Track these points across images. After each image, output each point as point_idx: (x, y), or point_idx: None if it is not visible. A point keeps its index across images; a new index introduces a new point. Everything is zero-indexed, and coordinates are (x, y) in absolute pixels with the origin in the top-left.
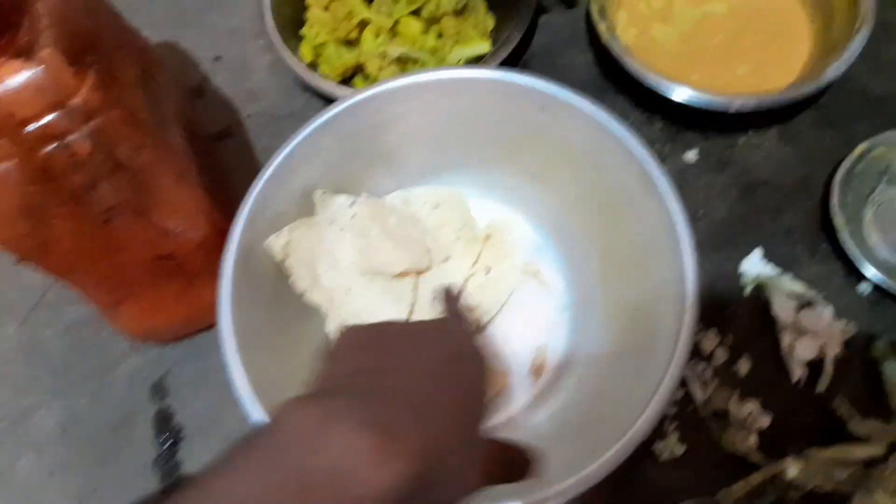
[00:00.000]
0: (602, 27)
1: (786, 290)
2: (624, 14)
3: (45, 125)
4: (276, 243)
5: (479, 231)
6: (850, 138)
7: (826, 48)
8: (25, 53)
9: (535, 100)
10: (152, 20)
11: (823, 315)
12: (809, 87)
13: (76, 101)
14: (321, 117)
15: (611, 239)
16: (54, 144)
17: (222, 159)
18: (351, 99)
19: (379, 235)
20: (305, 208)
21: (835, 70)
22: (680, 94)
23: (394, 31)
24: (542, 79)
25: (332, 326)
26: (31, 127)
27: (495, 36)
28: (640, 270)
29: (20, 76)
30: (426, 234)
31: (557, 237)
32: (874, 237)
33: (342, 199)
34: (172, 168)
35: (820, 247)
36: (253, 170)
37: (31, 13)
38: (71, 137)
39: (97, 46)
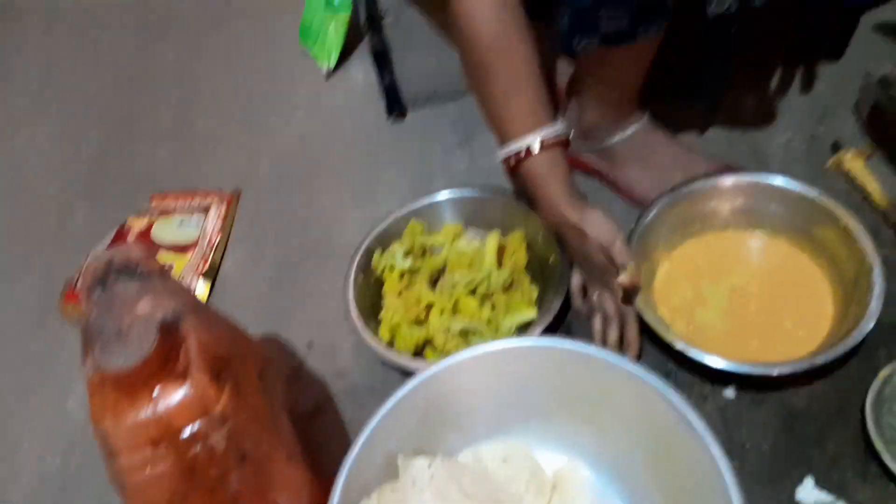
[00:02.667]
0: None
1: None
2: (664, 310)
3: (195, 431)
4: None
5: (547, 480)
6: (875, 365)
7: (846, 299)
8: (182, 378)
9: (579, 360)
10: (257, 317)
11: None
12: (843, 348)
13: (217, 409)
14: (399, 392)
15: (666, 481)
16: (199, 445)
17: (315, 434)
18: (423, 374)
19: (455, 493)
20: (389, 472)
21: (861, 332)
22: (725, 365)
23: (455, 309)
24: (577, 342)
25: None
26: (184, 433)
27: (540, 303)
28: None
29: (178, 395)
30: (499, 490)
31: (619, 481)
32: None
33: (420, 462)
34: (284, 452)
35: (870, 469)
36: (342, 442)
37: (185, 346)
38: (211, 439)
39: (230, 364)
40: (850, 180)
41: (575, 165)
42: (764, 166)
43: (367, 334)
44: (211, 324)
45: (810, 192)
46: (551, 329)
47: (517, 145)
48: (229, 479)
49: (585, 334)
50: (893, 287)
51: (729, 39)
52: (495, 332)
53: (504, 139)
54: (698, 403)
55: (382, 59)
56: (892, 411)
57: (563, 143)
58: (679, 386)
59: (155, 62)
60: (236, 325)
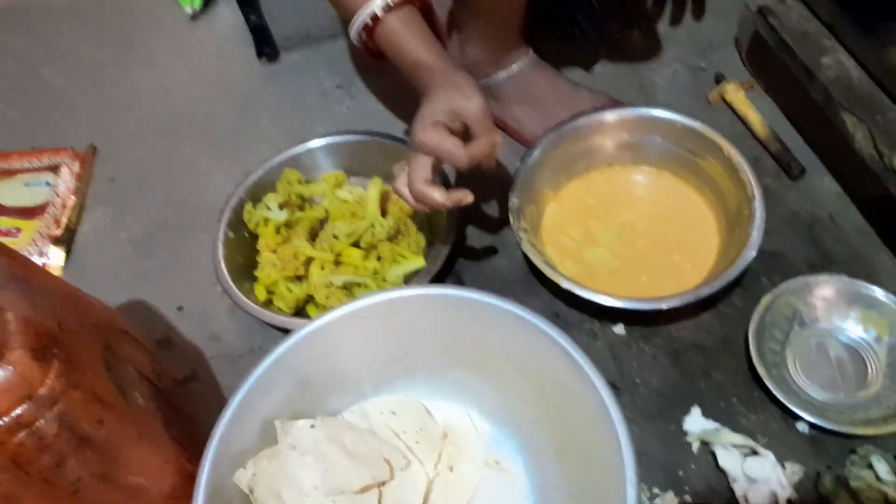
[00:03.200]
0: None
1: (728, 443)
2: (552, 250)
3: (15, 417)
4: (243, 478)
5: (437, 431)
6: (757, 293)
7: (730, 229)
8: None
9: (467, 307)
10: (121, 283)
11: (767, 461)
12: (725, 279)
13: (42, 391)
14: (273, 354)
15: (556, 422)
16: (24, 432)
17: (189, 402)
18: (299, 333)
19: (337, 455)
20: (268, 438)
21: (742, 262)
22: (618, 303)
23: (337, 262)
24: (464, 288)
25: None
26: (1, 421)
27: (428, 251)
28: (585, 448)
29: None
30: (384, 445)
31: (511, 427)
32: (800, 379)
33: (301, 424)
34: (135, 430)
35: (753, 396)
36: (219, 409)
37: (0, 321)
38: (38, 424)
39: (62, 339)
40: (733, 111)
41: None
42: (651, 99)
43: (240, 296)
44: (37, 295)
45: (693, 123)
46: (440, 277)
47: (362, 14)
48: (67, 466)
49: (476, 281)
50: (774, 216)
51: None
52: (382, 284)
53: (350, 15)
54: (588, 342)
55: None
56: (773, 337)
57: (417, 3)
58: (569, 325)
59: None
60: (78, 293)
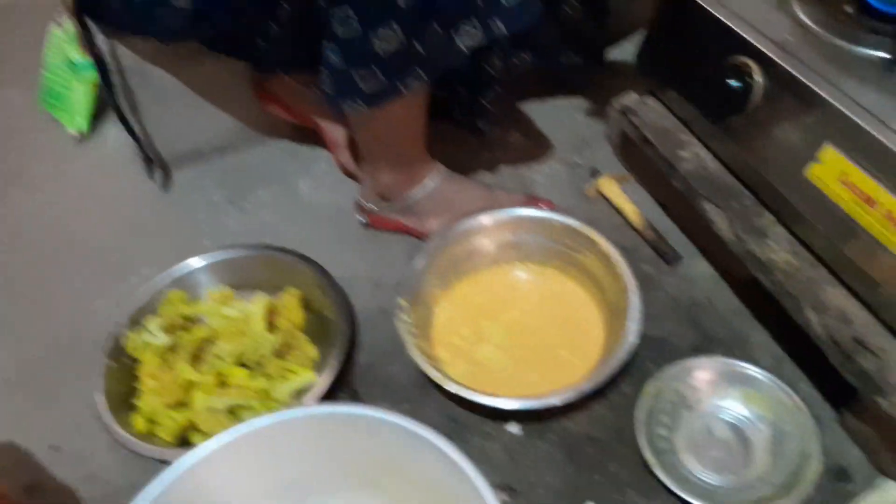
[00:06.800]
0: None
1: None
2: (443, 351)
3: None
4: None
5: None
6: (644, 380)
7: (612, 321)
8: None
9: (350, 423)
10: None
11: None
12: (604, 372)
13: None
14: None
15: None
16: None
17: None
18: (174, 467)
19: None
20: None
21: (622, 352)
22: (507, 403)
23: (224, 384)
24: (350, 404)
25: None
26: None
27: (321, 363)
28: None
29: None
30: None
31: None
32: (690, 463)
33: None
34: None
35: (648, 484)
36: None
37: None
38: None
39: None
40: (609, 203)
41: (386, 227)
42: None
43: (117, 429)
44: None
45: (569, 220)
46: (333, 391)
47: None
48: None
49: (371, 390)
50: (655, 302)
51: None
52: (271, 403)
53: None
54: (484, 444)
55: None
56: (661, 423)
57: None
58: (465, 428)
59: None
60: None
